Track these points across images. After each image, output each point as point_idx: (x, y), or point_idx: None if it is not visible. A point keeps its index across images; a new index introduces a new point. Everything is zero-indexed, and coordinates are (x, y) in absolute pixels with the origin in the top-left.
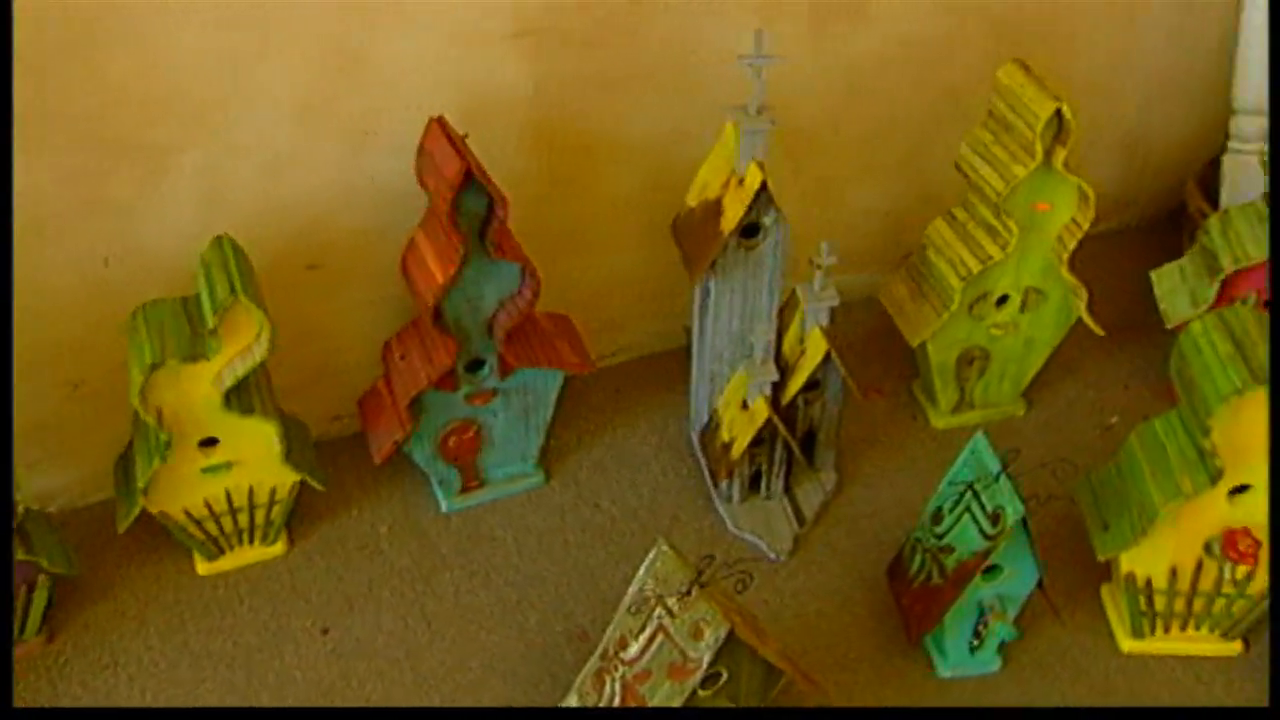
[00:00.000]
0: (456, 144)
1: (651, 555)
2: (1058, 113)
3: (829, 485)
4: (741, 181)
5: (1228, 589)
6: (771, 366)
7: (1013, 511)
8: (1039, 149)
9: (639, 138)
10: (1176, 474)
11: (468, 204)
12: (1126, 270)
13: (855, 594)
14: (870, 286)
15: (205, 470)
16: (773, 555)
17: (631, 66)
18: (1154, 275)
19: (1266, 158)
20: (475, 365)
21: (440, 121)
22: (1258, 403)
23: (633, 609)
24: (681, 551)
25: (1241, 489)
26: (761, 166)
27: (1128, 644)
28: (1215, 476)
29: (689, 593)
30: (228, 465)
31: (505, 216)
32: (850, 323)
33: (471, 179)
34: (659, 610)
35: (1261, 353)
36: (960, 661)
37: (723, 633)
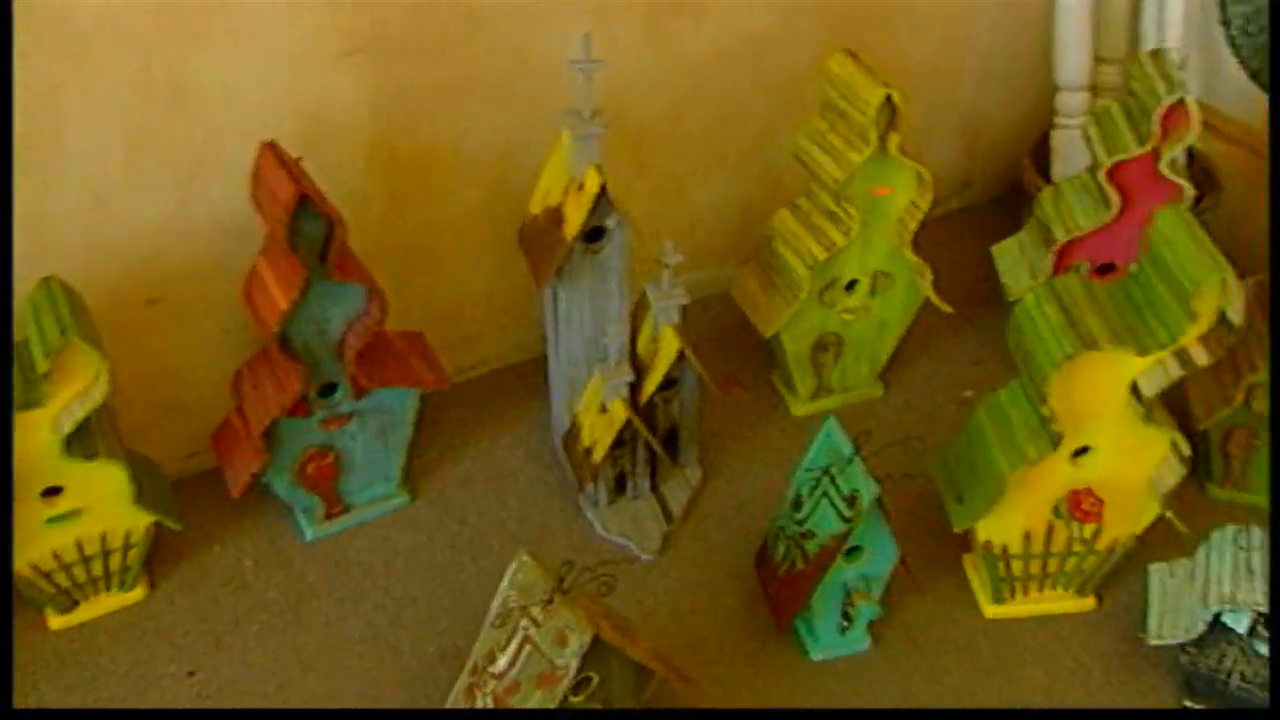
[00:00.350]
0: (290, 168)
1: (513, 567)
2: (888, 99)
3: (695, 481)
4: (581, 187)
5: (1078, 547)
6: (626, 368)
7: (867, 492)
8: (873, 135)
9: (480, 149)
10: (1021, 442)
11: (305, 228)
12: (971, 248)
13: (727, 586)
14: (726, 281)
15: (51, 520)
16: (643, 555)
17: (467, 78)
18: (995, 250)
19: (1087, 130)
20: (328, 389)
21: (272, 146)
22: (1090, 367)
23: (497, 622)
24: (542, 560)
25: (1082, 451)
26: (599, 170)
27: (990, 610)
28: (1056, 441)
29: (551, 601)
30: (75, 513)
31: (345, 237)
32: (707, 318)
33: (307, 202)
34: (524, 621)
35: (1090, 320)
36: (831, 643)
37: (587, 638)
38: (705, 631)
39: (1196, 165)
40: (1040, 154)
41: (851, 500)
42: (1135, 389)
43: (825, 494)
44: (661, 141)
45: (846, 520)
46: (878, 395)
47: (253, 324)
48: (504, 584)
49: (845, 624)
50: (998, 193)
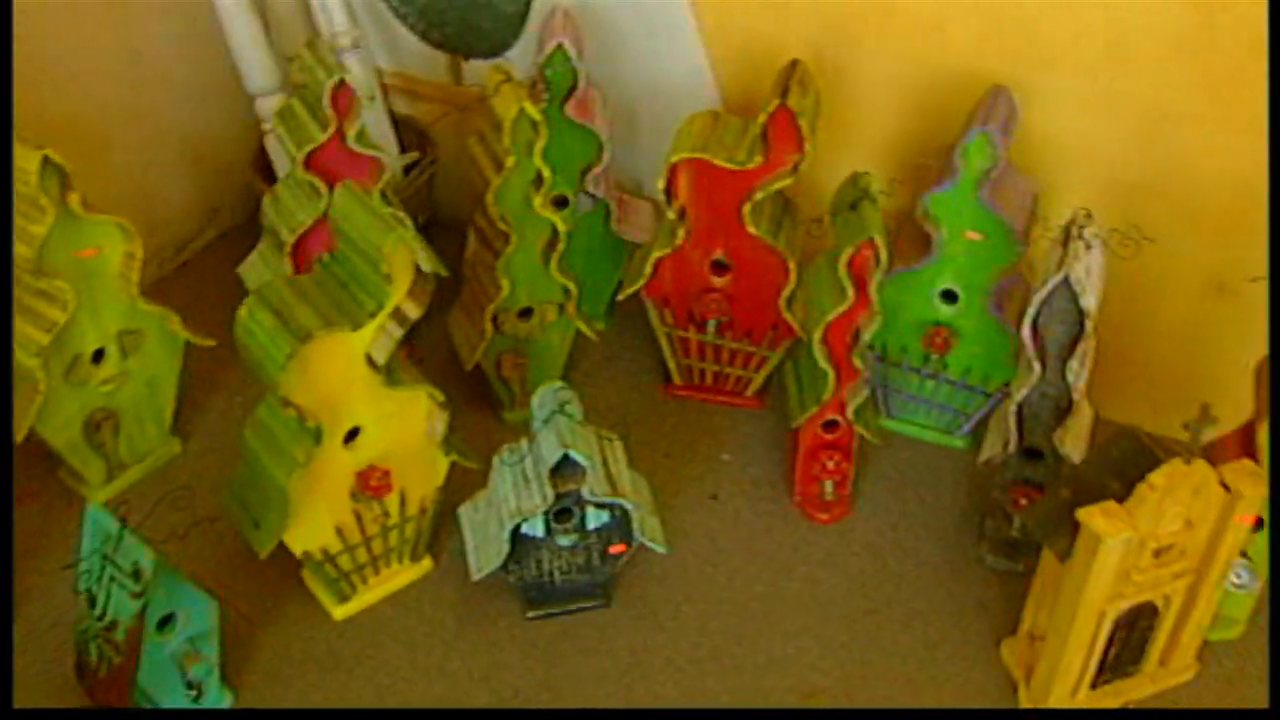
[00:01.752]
0: None
1: None
2: (47, 159)
3: None
4: None
5: (392, 521)
6: None
7: (147, 560)
8: (45, 202)
9: None
10: (289, 448)
11: None
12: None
13: None
14: None
15: None
16: None
17: None
18: (240, 270)
19: (277, 130)
20: None
21: None
22: (318, 356)
23: None
24: None
25: (353, 434)
26: None
27: (339, 611)
28: (318, 436)
29: None
30: None
31: None
32: None
33: None
34: None
35: (300, 314)
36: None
37: None
38: None
39: (409, 128)
40: (262, 163)
41: (137, 574)
42: (371, 360)
43: (112, 579)
44: None
45: (138, 596)
46: (178, 451)
47: None
48: None
49: (195, 693)
50: (252, 210)
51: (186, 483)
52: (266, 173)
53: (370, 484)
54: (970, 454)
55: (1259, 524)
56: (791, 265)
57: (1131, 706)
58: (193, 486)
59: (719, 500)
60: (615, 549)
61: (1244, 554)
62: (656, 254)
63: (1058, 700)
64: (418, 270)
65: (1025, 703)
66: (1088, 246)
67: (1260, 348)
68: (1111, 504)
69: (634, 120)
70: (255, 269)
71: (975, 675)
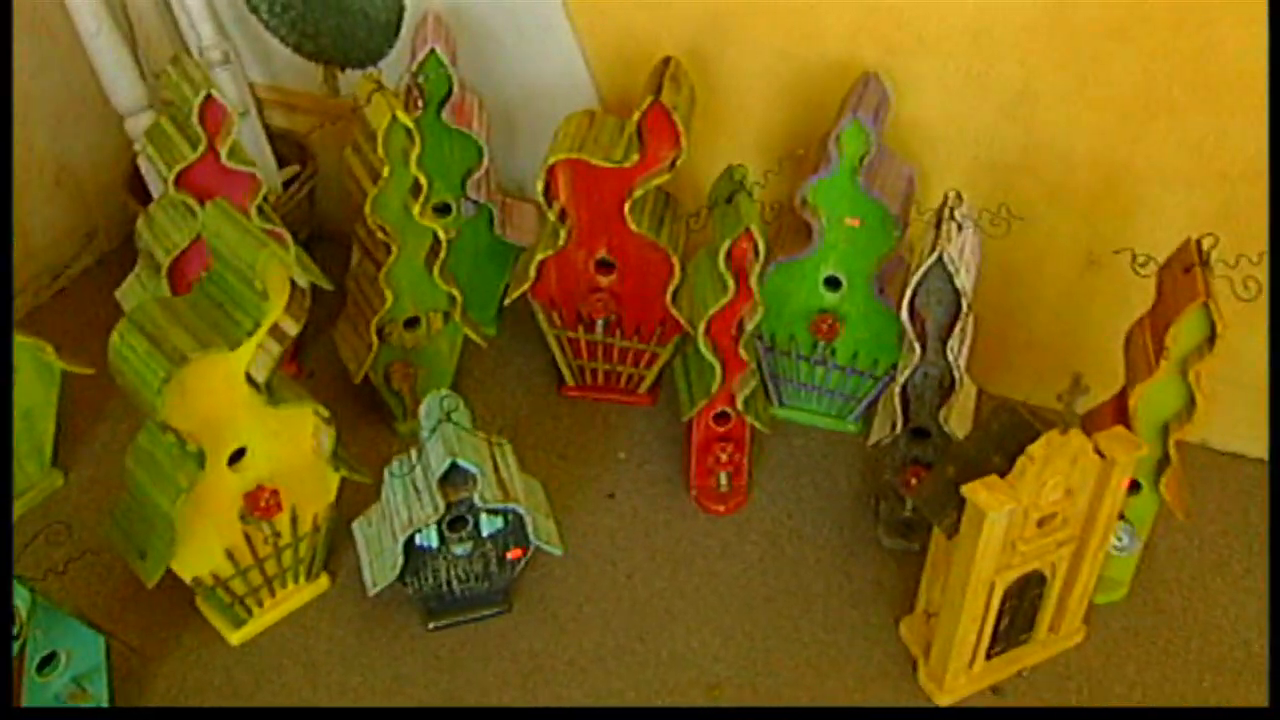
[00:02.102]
0: None
1: None
2: None
3: None
4: None
5: (284, 541)
6: None
7: (22, 600)
8: None
9: None
10: (172, 474)
11: None
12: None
13: None
14: None
15: None
16: None
17: None
18: (118, 295)
19: (146, 149)
20: None
21: None
22: (196, 378)
23: None
24: None
25: (238, 455)
26: None
27: (236, 636)
28: (201, 460)
29: None
30: None
31: None
32: None
33: None
34: None
35: (174, 336)
36: None
37: None
38: None
39: (288, 142)
40: (137, 184)
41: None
42: (251, 379)
43: None
44: None
45: (14, 638)
46: (60, 484)
47: None
48: None
49: None
50: (129, 232)
51: (71, 516)
52: (142, 194)
53: (259, 505)
54: (863, 438)
55: (1135, 487)
56: (675, 260)
57: (1026, 674)
58: (74, 519)
59: (616, 499)
60: (512, 554)
61: (1122, 516)
62: (540, 256)
63: (955, 672)
64: (294, 285)
65: (924, 678)
66: (960, 227)
67: (1130, 317)
68: (994, 478)
69: (513, 123)
70: (134, 293)
71: (875, 655)
